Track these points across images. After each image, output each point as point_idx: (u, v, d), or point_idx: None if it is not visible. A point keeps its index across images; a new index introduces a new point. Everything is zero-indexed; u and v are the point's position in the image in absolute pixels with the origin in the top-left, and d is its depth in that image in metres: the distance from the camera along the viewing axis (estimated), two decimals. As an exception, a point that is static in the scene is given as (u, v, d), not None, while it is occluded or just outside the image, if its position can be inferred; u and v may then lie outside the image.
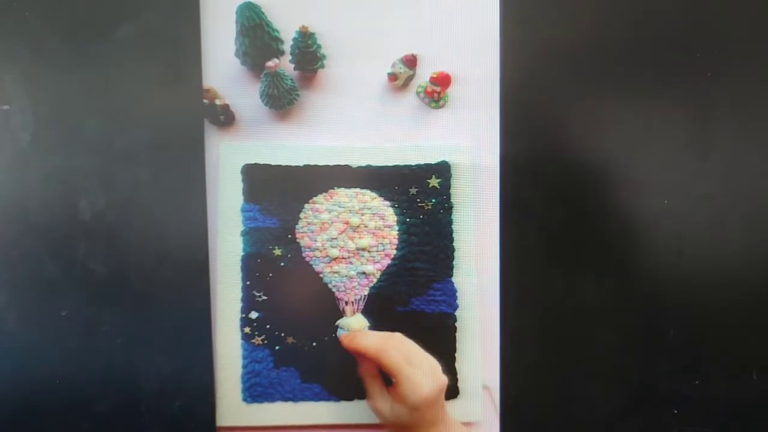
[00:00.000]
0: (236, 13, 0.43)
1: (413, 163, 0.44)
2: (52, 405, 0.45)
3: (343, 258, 0.45)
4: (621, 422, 0.45)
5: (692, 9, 0.43)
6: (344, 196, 0.45)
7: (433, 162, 0.44)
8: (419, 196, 0.45)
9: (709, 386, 0.44)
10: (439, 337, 0.45)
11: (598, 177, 0.43)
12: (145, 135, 0.44)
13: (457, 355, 0.45)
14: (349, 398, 0.45)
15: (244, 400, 0.45)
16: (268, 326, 0.45)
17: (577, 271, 0.44)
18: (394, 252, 0.45)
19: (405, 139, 0.44)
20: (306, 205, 0.45)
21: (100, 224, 0.44)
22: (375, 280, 0.45)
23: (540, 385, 0.45)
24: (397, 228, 0.45)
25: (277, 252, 0.45)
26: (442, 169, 0.44)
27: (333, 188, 0.45)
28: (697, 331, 0.44)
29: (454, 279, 0.45)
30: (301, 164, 0.44)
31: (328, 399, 0.45)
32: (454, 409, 0.45)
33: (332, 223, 0.45)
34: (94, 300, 0.44)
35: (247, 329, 0.45)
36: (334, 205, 0.45)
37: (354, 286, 0.45)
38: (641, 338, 0.44)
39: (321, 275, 0.45)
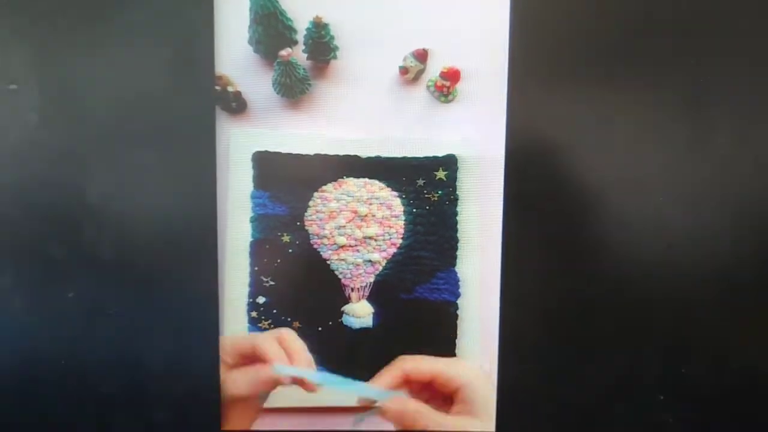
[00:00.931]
0: (250, 0, 0.43)
1: (421, 155, 0.46)
2: (58, 386, 0.45)
3: (350, 246, 0.46)
4: (613, 405, 0.47)
5: (691, 11, 0.45)
6: (353, 185, 0.46)
7: (440, 155, 0.46)
8: (426, 187, 0.46)
9: (693, 375, 0.47)
10: (441, 323, 0.46)
11: (600, 172, 0.45)
12: (156, 119, 0.44)
13: (457, 341, 0.47)
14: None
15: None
16: (274, 311, 0.46)
17: (575, 263, 0.46)
18: (400, 241, 0.46)
19: (414, 132, 0.46)
20: (315, 194, 0.46)
21: (108, 207, 0.44)
22: (381, 268, 0.46)
23: (536, 370, 0.47)
24: (403, 218, 0.46)
25: (286, 239, 0.46)
26: (449, 162, 0.46)
27: (342, 177, 0.46)
28: (683, 323, 0.47)
29: (457, 268, 0.46)
30: (312, 153, 0.45)
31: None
32: (453, 393, 0.47)
33: (340, 211, 0.46)
34: (101, 283, 0.45)
35: (254, 314, 0.46)
36: (343, 194, 0.45)
37: (360, 274, 0.46)
38: (635, 327, 0.46)
39: (328, 262, 0.46)
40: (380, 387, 0.45)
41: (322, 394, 0.46)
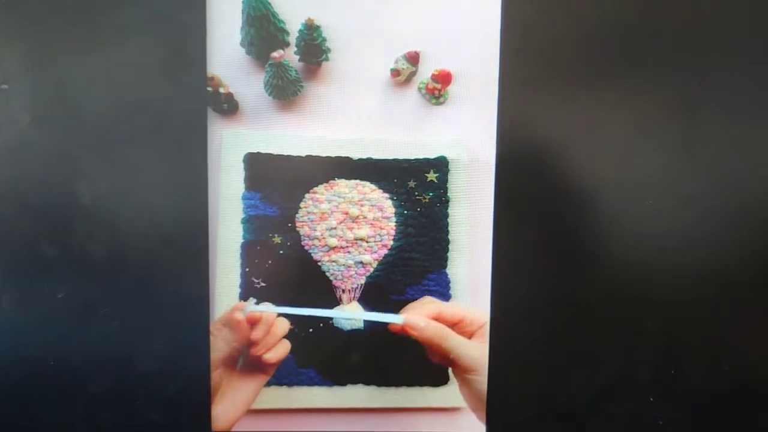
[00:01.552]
0: (243, 2, 0.43)
1: (412, 157, 0.46)
2: (48, 387, 0.45)
3: (341, 247, 0.46)
4: (603, 406, 0.47)
5: (684, 13, 0.45)
6: (344, 187, 0.46)
7: (431, 157, 0.46)
8: (417, 189, 0.46)
9: (684, 376, 0.47)
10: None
11: (590, 174, 0.45)
12: (148, 120, 0.44)
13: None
14: (343, 383, 0.47)
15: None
16: (265, 312, 0.46)
17: (565, 265, 0.46)
18: (391, 243, 0.46)
19: (405, 134, 0.46)
20: (306, 195, 0.46)
21: (100, 208, 0.44)
22: (372, 270, 0.46)
23: (526, 372, 0.47)
24: (394, 219, 0.46)
25: (277, 240, 0.46)
26: (440, 164, 0.46)
27: (333, 179, 0.46)
28: (675, 324, 0.47)
29: (448, 270, 0.46)
30: (303, 154, 0.45)
31: (322, 384, 0.47)
32: (443, 394, 0.47)
33: (332, 213, 0.46)
34: (92, 283, 0.44)
35: (245, 315, 0.46)
36: (334, 195, 0.46)
37: (351, 275, 0.46)
38: (625, 329, 0.47)
39: (319, 263, 0.46)
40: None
41: (311, 396, 0.46)
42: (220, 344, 0.45)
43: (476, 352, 0.45)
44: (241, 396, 0.46)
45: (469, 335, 0.46)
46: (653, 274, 0.46)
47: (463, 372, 0.45)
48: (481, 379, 0.45)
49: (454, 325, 0.45)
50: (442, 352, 0.44)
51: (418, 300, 0.46)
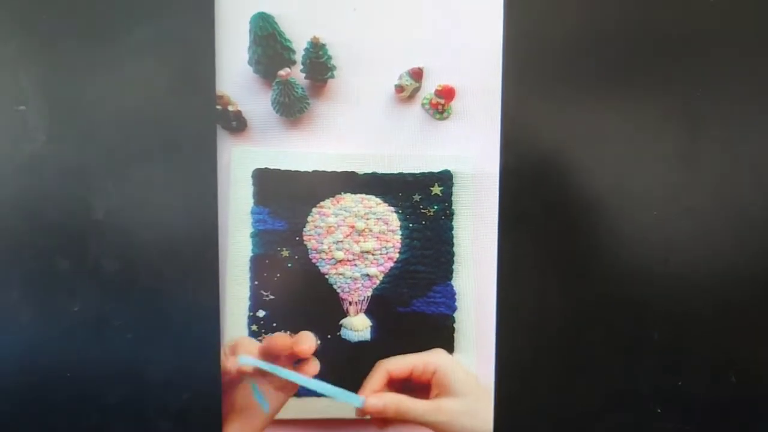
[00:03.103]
0: (250, 22, 0.45)
1: (417, 172, 0.46)
2: (63, 397, 0.46)
3: (348, 260, 0.47)
4: (608, 418, 0.47)
5: (686, 24, 0.45)
6: (350, 201, 0.47)
7: (436, 171, 0.46)
8: (422, 202, 0.47)
9: (690, 387, 0.47)
10: (438, 337, 0.47)
11: (595, 187, 0.46)
12: (160, 137, 0.45)
13: (454, 354, 0.47)
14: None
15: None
16: (274, 324, 0.47)
17: (570, 277, 0.46)
18: (397, 255, 0.47)
19: (410, 149, 0.46)
20: (313, 209, 0.47)
21: (114, 223, 0.45)
22: (378, 282, 0.47)
23: (532, 383, 0.47)
24: (400, 233, 0.47)
25: (285, 253, 0.47)
26: (445, 178, 0.46)
27: (340, 193, 0.47)
28: (680, 335, 0.47)
29: (453, 282, 0.47)
30: (310, 170, 0.46)
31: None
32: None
33: (338, 226, 0.47)
34: (107, 296, 0.46)
35: (254, 327, 0.47)
36: (341, 209, 0.46)
37: (358, 288, 0.47)
38: (630, 340, 0.47)
39: (326, 276, 0.47)
40: (368, 393, 0.46)
41: (320, 406, 0.47)
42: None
43: (442, 416, 0.44)
44: (255, 417, 0.46)
45: (426, 383, 0.46)
46: (659, 284, 0.46)
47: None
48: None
49: (408, 380, 0.46)
50: (411, 423, 0.45)
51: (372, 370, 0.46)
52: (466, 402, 0.45)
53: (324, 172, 0.46)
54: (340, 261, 0.47)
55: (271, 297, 0.47)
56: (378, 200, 0.47)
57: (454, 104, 0.46)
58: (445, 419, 0.44)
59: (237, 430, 0.46)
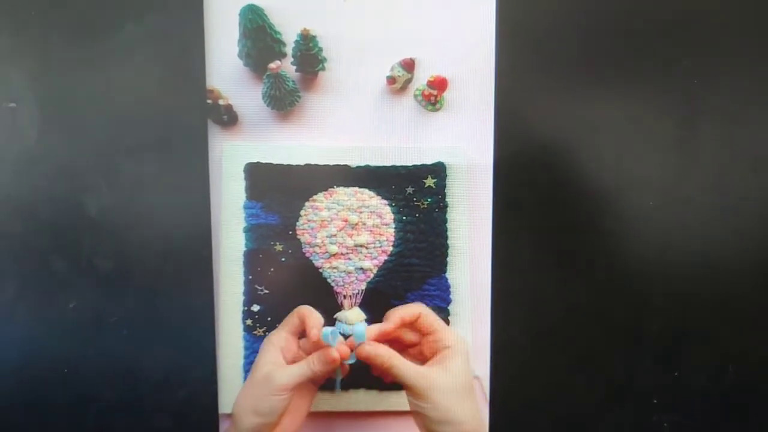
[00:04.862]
0: (239, 15, 0.44)
1: (410, 164, 0.46)
2: (60, 394, 0.46)
3: (341, 254, 0.47)
4: (604, 410, 0.47)
5: (681, 13, 0.45)
6: (343, 194, 0.46)
7: (429, 163, 0.46)
8: (415, 195, 0.46)
9: (687, 378, 0.47)
10: (433, 329, 0.47)
11: (588, 178, 0.45)
12: (151, 133, 0.45)
13: (449, 347, 0.47)
14: (344, 388, 0.48)
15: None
16: (269, 318, 0.47)
17: (565, 269, 0.46)
18: (391, 249, 0.47)
19: (402, 141, 0.46)
20: (306, 203, 0.46)
21: (107, 220, 0.45)
22: (372, 276, 0.47)
23: (527, 375, 0.47)
24: (393, 226, 0.47)
25: (278, 248, 0.47)
26: (438, 170, 0.46)
27: (332, 187, 0.46)
28: (677, 327, 0.46)
29: (447, 275, 0.47)
30: (302, 163, 0.46)
31: (325, 388, 0.47)
32: (446, 397, 0.47)
33: (331, 220, 0.46)
34: (101, 293, 0.46)
35: (249, 321, 0.47)
36: (334, 203, 0.46)
37: (352, 281, 0.47)
38: (625, 332, 0.46)
39: (320, 270, 0.47)
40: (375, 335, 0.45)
41: (315, 400, 0.47)
42: (308, 372, 0.43)
43: (423, 381, 0.42)
44: (303, 409, 0.46)
45: (430, 354, 0.44)
46: (655, 276, 0.46)
47: (411, 397, 0.43)
48: (428, 407, 0.42)
49: (424, 336, 0.45)
50: (383, 371, 0.44)
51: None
52: (453, 380, 0.43)
53: (316, 166, 0.46)
54: (334, 255, 0.46)
55: (266, 291, 0.47)
56: (371, 193, 0.46)
57: (447, 95, 0.46)
58: (426, 384, 0.42)
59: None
